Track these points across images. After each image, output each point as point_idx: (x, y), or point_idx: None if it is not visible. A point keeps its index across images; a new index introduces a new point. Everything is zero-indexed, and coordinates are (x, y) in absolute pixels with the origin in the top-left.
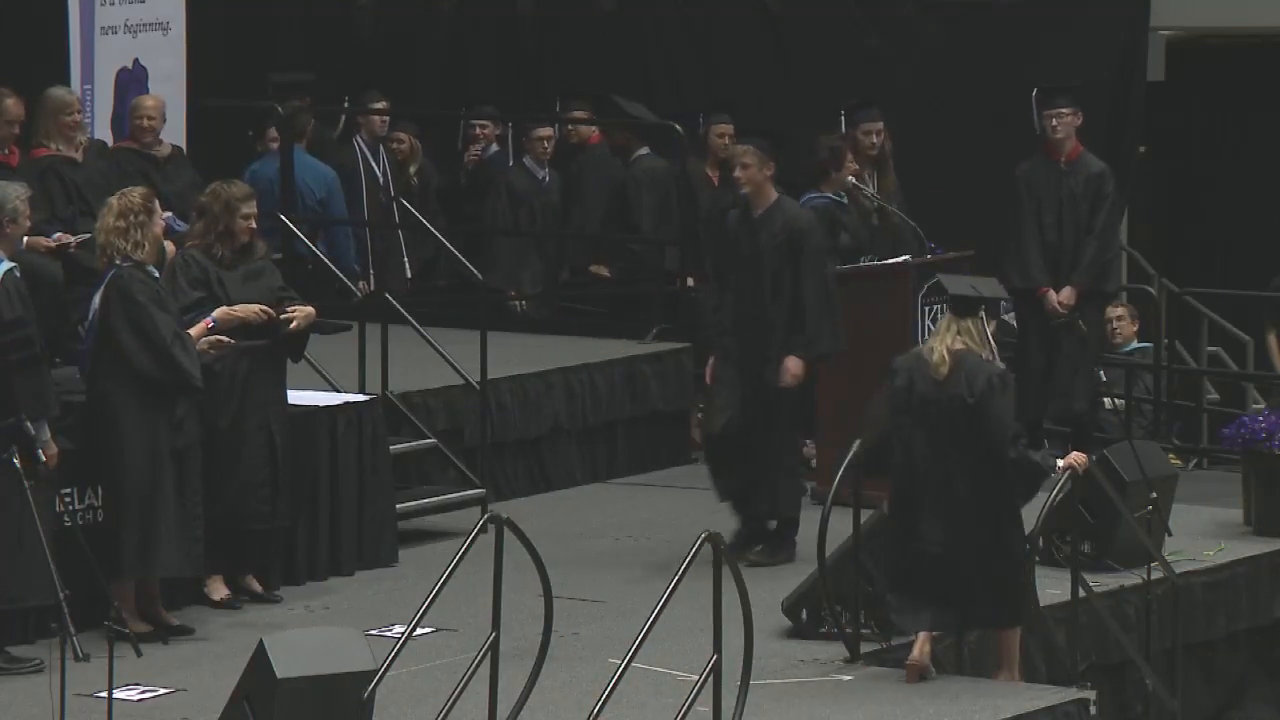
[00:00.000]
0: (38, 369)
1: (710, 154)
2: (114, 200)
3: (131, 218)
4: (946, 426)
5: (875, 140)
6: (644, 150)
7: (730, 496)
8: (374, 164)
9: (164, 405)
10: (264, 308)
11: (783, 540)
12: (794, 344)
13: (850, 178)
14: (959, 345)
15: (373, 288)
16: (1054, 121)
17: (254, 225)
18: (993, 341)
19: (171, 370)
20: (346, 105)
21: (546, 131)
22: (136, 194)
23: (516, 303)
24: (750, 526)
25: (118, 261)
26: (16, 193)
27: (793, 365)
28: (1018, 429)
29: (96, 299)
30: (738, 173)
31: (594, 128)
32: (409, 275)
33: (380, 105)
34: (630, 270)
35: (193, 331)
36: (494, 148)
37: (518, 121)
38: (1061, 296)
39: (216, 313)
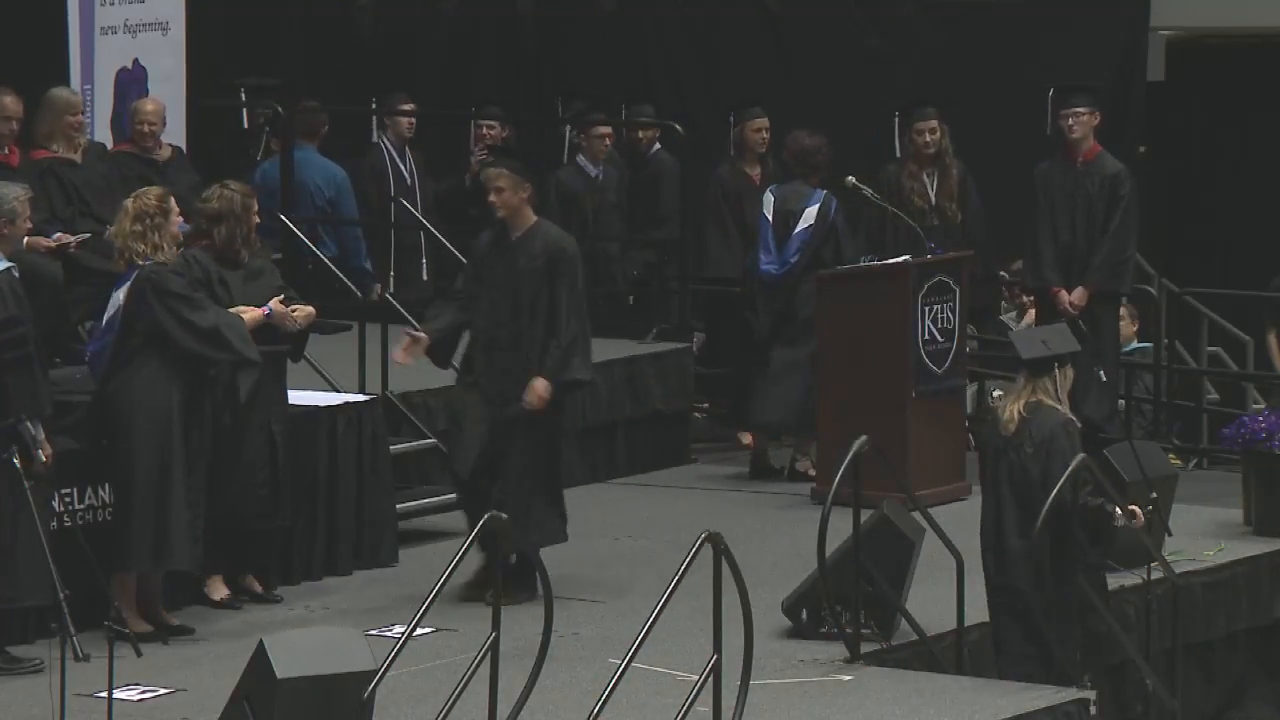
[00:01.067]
0: (30, 369)
1: (748, 151)
2: (129, 203)
3: (148, 220)
4: (1010, 477)
5: (930, 139)
6: (657, 146)
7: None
8: (401, 165)
9: (181, 400)
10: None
11: (521, 574)
12: (546, 367)
13: (851, 178)
14: (1034, 399)
15: (392, 289)
16: (1070, 121)
17: (255, 221)
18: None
19: (224, 349)
20: (374, 106)
21: (606, 129)
22: (152, 195)
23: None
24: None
25: (139, 262)
26: (16, 193)
27: (540, 387)
28: (1084, 475)
29: (120, 294)
30: (492, 197)
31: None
32: (425, 277)
33: (407, 107)
34: (647, 274)
35: (248, 317)
36: None
37: (576, 122)
38: (1073, 297)
39: (272, 303)
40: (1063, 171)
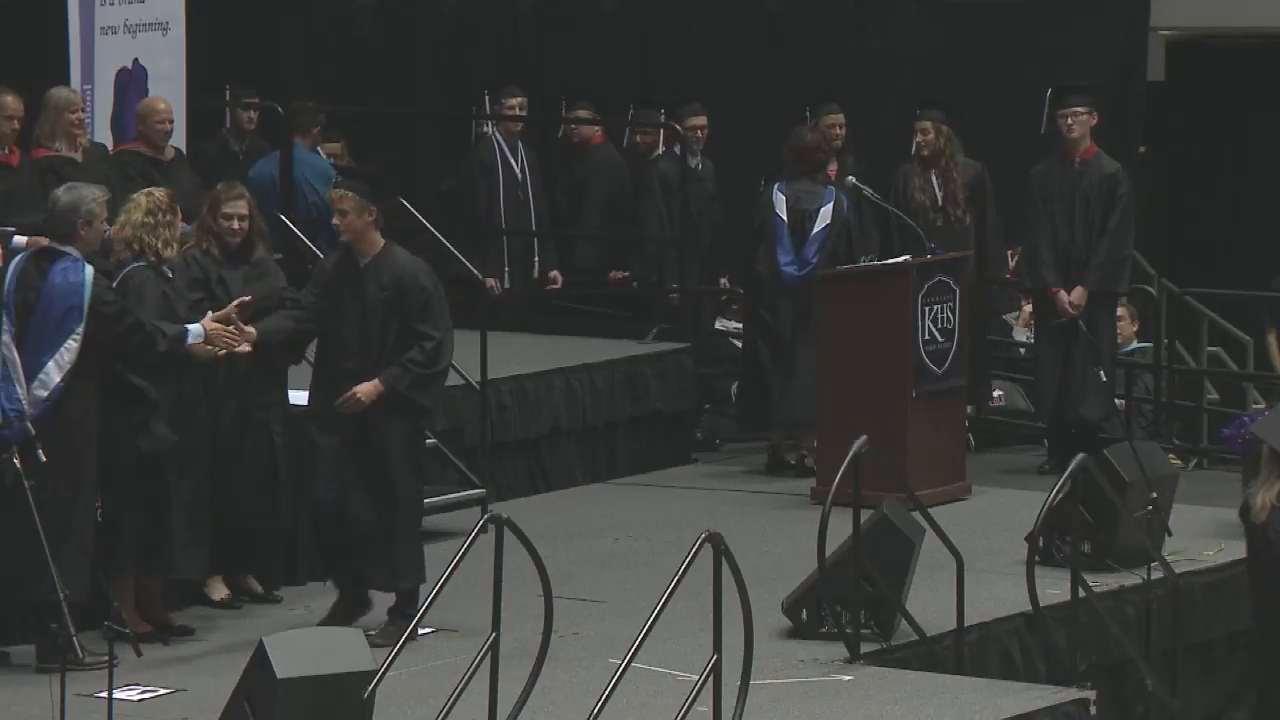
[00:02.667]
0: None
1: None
2: (141, 198)
3: (160, 215)
4: (1261, 562)
5: (923, 140)
6: (661, 150)
7: (339, 573)
8: (512, 160)
9: (170, 401)
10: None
11: (402, 616)
12: (388, 374)
13: (851, 178)
14: None
15: (507, 286)
16: (1069, 120)
17: (238, 225)
18: None
19: (122, 381)
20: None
21: (700, 120)
22: (162, 193)
23: (672, 297)
24: (351, 596)
25: (149, 258)
26: (94, 195)
27: (369, 387)
28: None
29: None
30: (335, 220)
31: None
32: (535, 275)
33: (515, 100)
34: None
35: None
36: None
37: (673, 116)
38: (1073, 297)
39: (203, 323)
40: (1060, 171)
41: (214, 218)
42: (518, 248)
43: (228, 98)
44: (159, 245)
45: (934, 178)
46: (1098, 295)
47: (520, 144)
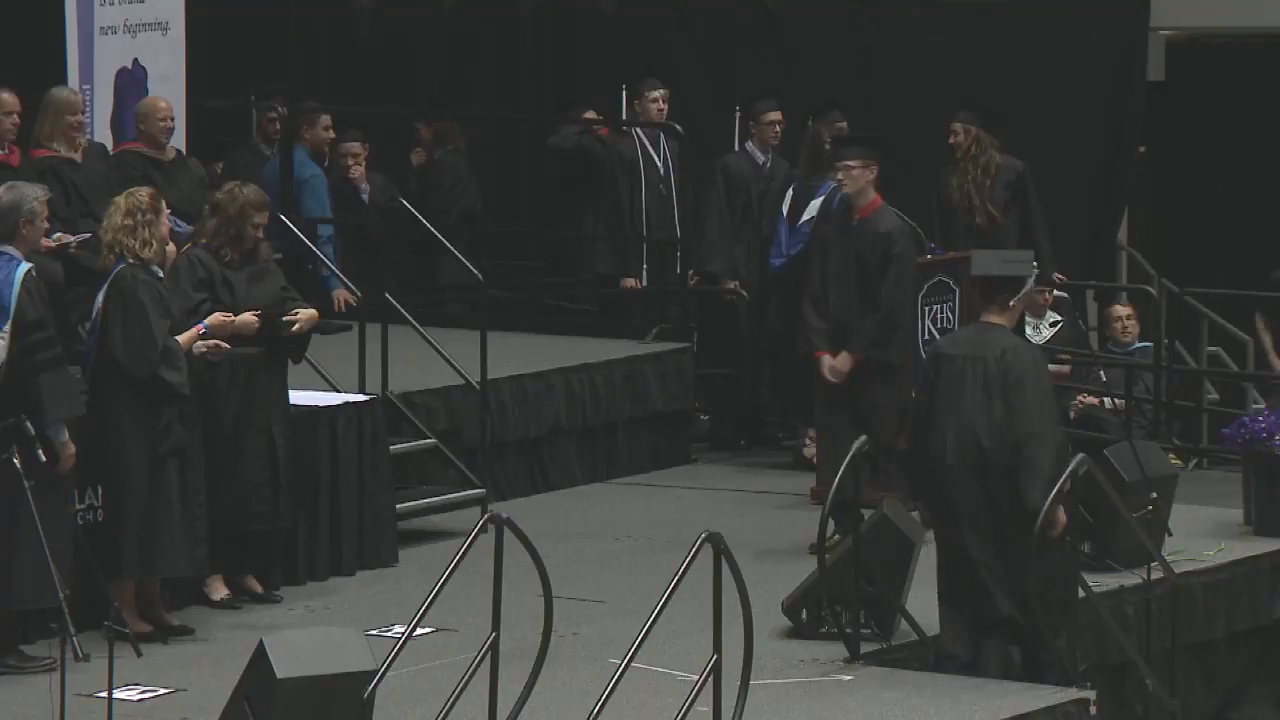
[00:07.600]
0: (62, 369)
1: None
2: (121, 199)
3: (139, 216)
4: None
5: (951, 141)
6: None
7: None
8: (654, 154)
9: (154, 407)
10: (260, 314)
11: None
12: None
13: None
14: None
15: (645, 284)
16: (840, 176)
17: (261, 235)
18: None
19: (153, 380)
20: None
21: (774, 115)
22: (144, 193)
23: (731, 295)
24: None
25: (129, 260)
26: (35, 194)
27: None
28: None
29: (100, 297)
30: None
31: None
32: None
33: (657, 93)
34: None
35: (183, 338)
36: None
37: (744, 107)
38: (835, 362)
39: (209, 320)
40: (840, 226)
41: (244, 225)
42: (658, 246)
43: (253, 100)
44: (137, 246)
45: (969, 178)
46: (869, 363)
47: (663, 136)
